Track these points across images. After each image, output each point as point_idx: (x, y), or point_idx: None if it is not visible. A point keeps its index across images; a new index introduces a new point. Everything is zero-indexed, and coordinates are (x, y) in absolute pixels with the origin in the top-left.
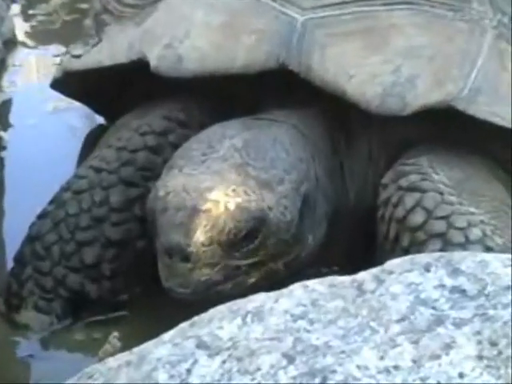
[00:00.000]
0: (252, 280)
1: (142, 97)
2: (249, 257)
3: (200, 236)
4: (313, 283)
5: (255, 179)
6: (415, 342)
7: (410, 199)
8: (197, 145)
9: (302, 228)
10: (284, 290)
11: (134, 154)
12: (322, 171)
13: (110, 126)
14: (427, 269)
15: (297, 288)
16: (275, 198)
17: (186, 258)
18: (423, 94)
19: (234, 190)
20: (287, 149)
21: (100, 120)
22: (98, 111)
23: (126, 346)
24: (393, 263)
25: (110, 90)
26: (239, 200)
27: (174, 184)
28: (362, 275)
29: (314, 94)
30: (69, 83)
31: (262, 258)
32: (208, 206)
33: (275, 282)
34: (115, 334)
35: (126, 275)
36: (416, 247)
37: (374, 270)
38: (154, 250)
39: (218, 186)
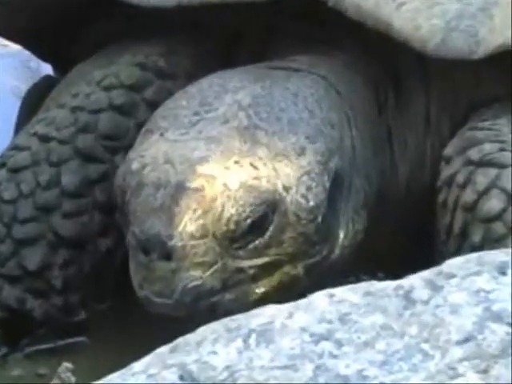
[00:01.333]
0: (260, 290)
1: (106, 38)
2: (256, 256)
3: (188, 224)
4: (341, 291)
5: (267, 148)
6: (484, 372)
7: (482, 178)
8: (186, 101)
9: (330, 219)
10: (301, 301)
11: (95, 116)
12: (361, 141)
13: (61, 78)
14: (502, 271)
15: (319, 298)
16: (294, 175)
17: (167, 254)
18: (502, 30)
19: (236, 162)
20: (312, 108)
21: (46, 70)
22: (42, 57)
23: (83, 380)
24: (453, 263)
25: (61, 28)
26: (244, 176)
27: (152, 153)
28: (411, 280)
29: (347, 32)
30: (1, 16)
31: (275, 258)
32: (200, 182)
33: (292, 293)
34: (67, 365)
35: (84, 287)
36: (491, 244)
37: (427, 273)
38: (124, 249)
39: (214, 156)
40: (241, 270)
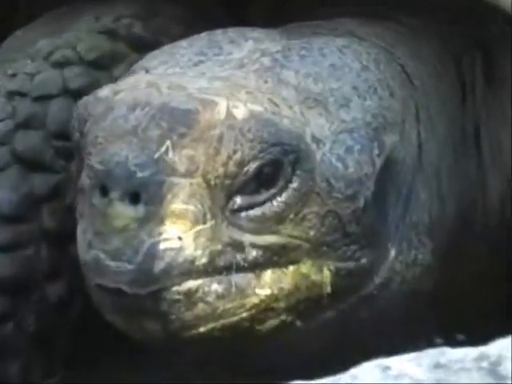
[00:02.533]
0: (265, 292)
1: None
2: (263, 229)
3: (170, 152)
4: (399, 362)
5: (295, 89)
6: None
7: None
8: (188, 43)
9: (377, 218)
10: (343, 376)
11: (43, 105)
12: (433, 140)
13: None
14: None
15: (368, 371)
16: (330, 127)
17: (134, 194)
18: None
19: (249, 93)
20: (367, 63)
21: None
22: None
23: None
24: None
25: None
26: (257, 107)
27: (130, 81)
28: (500, 346)
29: None
30: None
31: (290, 241)
32: (194, 105)
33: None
34: None
35: (26, 353)
36: None
37: None
38: (83, 298)
39: (220, 86)
40: (238, 247)
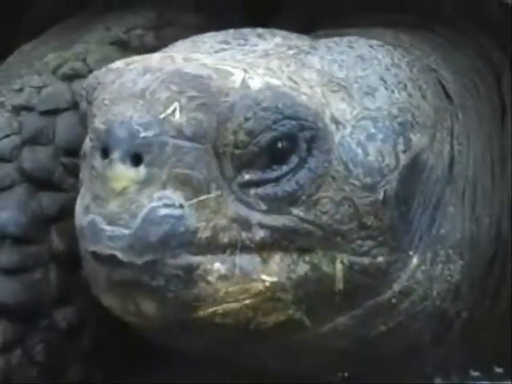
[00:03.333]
0: (271, 278)
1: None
2: (274, 209)
3: (178, 113)
4: None
5: (318, 73)
6: None
7: None
8: (211, 35)
9: (399, 218)
10: None
11: (51, 120)
12: (469, 153)
13: None
14: None
15: None
16: (352, 112)
17: (136, 155)
18: None
19: (268, 69)
20: (398, 61)
21: None
22: None
23: None
24: None
25: None
26: (275, 80)
27: (145, 56)
28: None
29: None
30: None
31: (302, 226)
32: (207, 72)
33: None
34: None
35: (42, 380)
36: None
37: None
38: (96, 324)
39: (238, 60)
40: (245, 224)
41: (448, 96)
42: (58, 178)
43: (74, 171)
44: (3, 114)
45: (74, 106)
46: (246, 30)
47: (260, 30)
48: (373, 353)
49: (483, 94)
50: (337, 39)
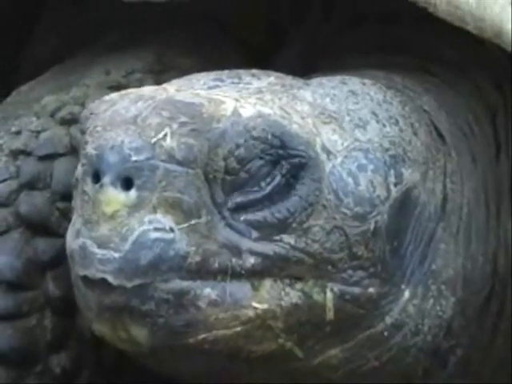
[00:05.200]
0: (262, 306)
1: (67, 44)
2: (265, 236)
3: (169, 138)
4: None
5: (310, 106)
6: None
7: None
8: (206, 74)
9: (390, 253)
10: None
11: (48, 165)
12: (462, 192)
13: None
14: None
15: None
16: (344, 144)
17: (127, 179)
18: None
19: (259, 99)
20: (390, 99)
21: None
22: None
23: None
24: None
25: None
26: (266, 110)
27: (136, 90)
28: None
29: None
30: None
31: (293, 254)
32: (200, 100)
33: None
34: None
35: None
36: None
37: None
38: (91, 370)
39: (230, 92)
40: (235, 250)
41: (441, 136)
42: (54, 223)
43: (70, 216)
44: (1, 158)
45: (72, 150)
46: (241, 71)
47: (254, 71)
48: None
49: (477, 133)
50: (330, 77)
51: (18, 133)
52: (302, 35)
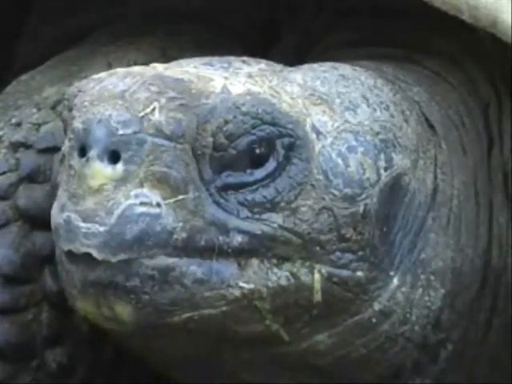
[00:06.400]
0: (248, 286)
1: (68, 34)
2: (252, 215)
3: (157, 112)
4: None
5: (300, 87)
6: None
7: None
8: (198, 58)
9: (379, 238)
10: None
11: (49, 158)
12: (452, 183)
13: None
14: None
15: None
16: (334, 124)
17: (114, 153)
18: None
19: (250, 77)
20: (381, 86)
21: None
22: None
23: None
24: None
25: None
26: (256, 88)
27: (126, 68)
28: None
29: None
30: None
31: (281, 233)
32: (189, 77)
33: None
34: None
35: None
36: None
37: None
38: (88, 365)
39: (220, 71)
40: (222, 228)
41: (431, 127)
42: None
43: None
44: (0, 150)
45: None
46: (231, 57)
47: (245, 58)
48: (352, 376)
49: (469, 126)
50: (320, 63)
51: (19, 124)
52: (295, 30)
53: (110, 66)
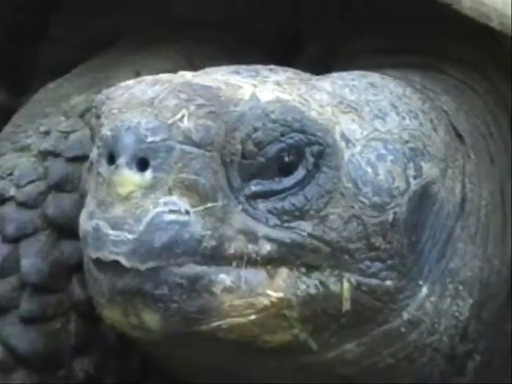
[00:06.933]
0: (277, 294)
1: (95, 40)
2: (282, 224)
3: (186, 119)
4: None
5: (329, 95)
6: None
7: None
8: (226, 66)
9: (408, 247)
10: None
11: (77, 167)
12: (481, 193)
13: (17, 103)
14: None
15: None
16: (363, 132)
17: (143, 160)
18: None
19: (278, 84)
20: (410, 95)
21: None
22: None
23: None
24: None
25: (13, 22)
26: (285, 95)
27: (154, 76)
28: None
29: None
30: None
31: (310, 242)
32: (217, 84)
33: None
34: None
35: None
36: None
37: None
38: (115, 373)
39: (248, 79)
40: (251, 237)
41: (459, 136)
42: None
43: None
44: (29, 159)
45: None
46: (259, 66)
47: (272, 66)
48: None
49: (495, 135)
50: (349, 71)
51: (47, 133)
52: (318, 39)
53: (137, 74)
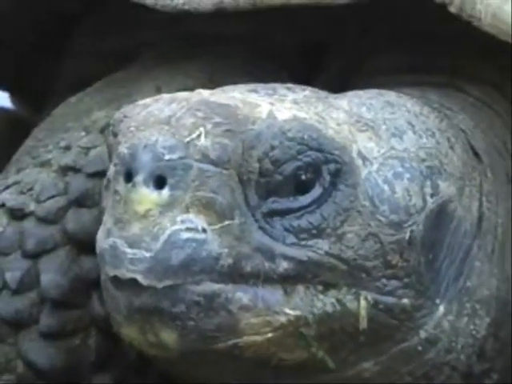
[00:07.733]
0: (294, 312)
1: (115, 56)
2: (299, 242)
3: (203, 137)
4: None
5: (347, 113)
6: None
7: None
8: (243, 85)
9: (425, 265)
10: None
11: (98, 182)
12: (498, 211)
13: (37, 117)
14: None
15: None
16: (380, 151)
17: (159, 178)
18: None
19: (295, 103)
20: (427, 114)
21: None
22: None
23: None
24: None
25: (33, 41)
26: (301, 114)
27: (171, 94)
28: None
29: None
30: None
31: (327, 260)
32: (235, 102)
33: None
34: None
35: None
36: None
37: None
38: None
39: (265, 97)
40: (268, 254)
41: (476, 155)
42: None
43: None
44: (49, 174)
45: None
46: (276, 84)
47: (290, 85)
48: None
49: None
50: (366, 90)
51: (68, 148)
52: (338, 56)
53: (159, 90)
